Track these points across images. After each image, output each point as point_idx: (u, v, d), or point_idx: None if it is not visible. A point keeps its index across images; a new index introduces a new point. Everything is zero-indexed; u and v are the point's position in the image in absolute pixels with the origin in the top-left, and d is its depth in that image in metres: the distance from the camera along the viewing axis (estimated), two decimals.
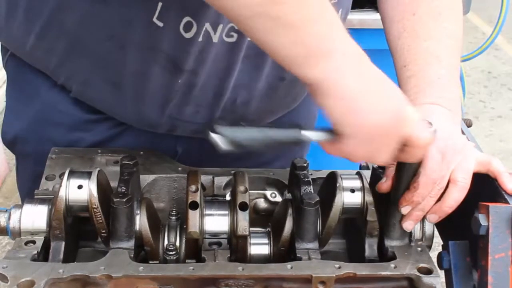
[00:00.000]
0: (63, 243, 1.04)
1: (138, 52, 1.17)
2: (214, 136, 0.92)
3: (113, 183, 1.11)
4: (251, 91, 1.25)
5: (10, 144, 1.40)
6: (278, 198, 1.21)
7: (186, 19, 1.11)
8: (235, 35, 1.15)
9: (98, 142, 1.32)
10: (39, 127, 1.33)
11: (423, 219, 1.09)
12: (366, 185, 1.11)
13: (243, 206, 1.05)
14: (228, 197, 1.16)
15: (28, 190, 1.29)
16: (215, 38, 1.15)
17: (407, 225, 1.08)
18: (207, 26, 1.13)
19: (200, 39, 1.14)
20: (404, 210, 1.07)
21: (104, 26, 1.15)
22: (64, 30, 1.18)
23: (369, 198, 1.09)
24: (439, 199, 1.06)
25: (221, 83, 1.22)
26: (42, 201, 1.07)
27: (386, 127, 0.94)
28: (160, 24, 1.12)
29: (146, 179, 1.19)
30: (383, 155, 0.97)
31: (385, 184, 1.09)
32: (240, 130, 0.95)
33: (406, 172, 1.04)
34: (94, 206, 1.03)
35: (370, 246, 1.09)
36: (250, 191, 1.08)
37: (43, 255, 1.03)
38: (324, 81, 0.91)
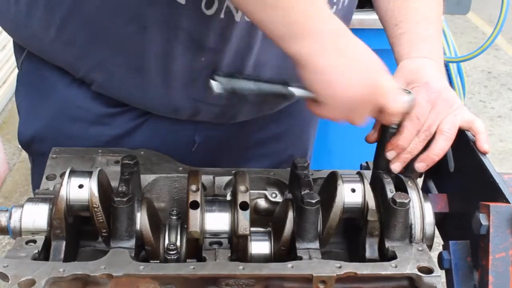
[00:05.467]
0: (64, 242, 1.04)
1: (160, 31, 1.17)
2: (212, 82, 1.08)
3: (114, 183, 1.11)
4: (272, 69, 1.27)
5: (26, 145, 1.40)
6: (279, 198, 1.21)
7: None
8: None
9: (118, 135, 1.32)
10: (57, 124, 1.33)
11: (423, 220, 1.09)
12: (367, 185, 1.11)
13: (244, 206, 1.05)
14: (228, 197, 1.16)
15: None
16: (237, 17, 1.17)
17: (395, 167, 1.15)
18: (228, 3, 1.14)
19: (222, 16, 1.16)
20: (390, 155, 1.14)
21: (124, 8, 1.16)
22: (85, 19, 1.19)
23: (369, 198, 1.09)
24: (426, 148, 1.14)
25: (243, 62, 1.24)
26: (42, 201, 1.07)
27: (360, 98, 1.05)
28: (182, 1, 1.14)
29: (146, 178, 1.19)
30: (358, 119, 1.09)
31: (372, 136, 1.18)
32: (235, 80, 1.10)
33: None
34: (95, 206, 1.03)
35: (371, 246, 1.09)
36: (250, 191, 1.09)
37: (44, 254, 1.03)
38: (302, 56, 1.02)
